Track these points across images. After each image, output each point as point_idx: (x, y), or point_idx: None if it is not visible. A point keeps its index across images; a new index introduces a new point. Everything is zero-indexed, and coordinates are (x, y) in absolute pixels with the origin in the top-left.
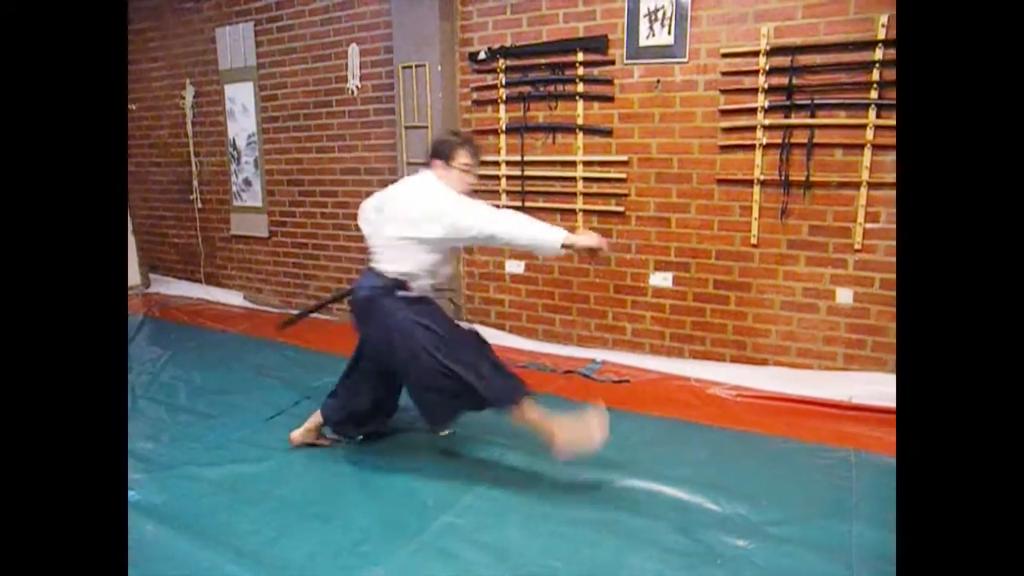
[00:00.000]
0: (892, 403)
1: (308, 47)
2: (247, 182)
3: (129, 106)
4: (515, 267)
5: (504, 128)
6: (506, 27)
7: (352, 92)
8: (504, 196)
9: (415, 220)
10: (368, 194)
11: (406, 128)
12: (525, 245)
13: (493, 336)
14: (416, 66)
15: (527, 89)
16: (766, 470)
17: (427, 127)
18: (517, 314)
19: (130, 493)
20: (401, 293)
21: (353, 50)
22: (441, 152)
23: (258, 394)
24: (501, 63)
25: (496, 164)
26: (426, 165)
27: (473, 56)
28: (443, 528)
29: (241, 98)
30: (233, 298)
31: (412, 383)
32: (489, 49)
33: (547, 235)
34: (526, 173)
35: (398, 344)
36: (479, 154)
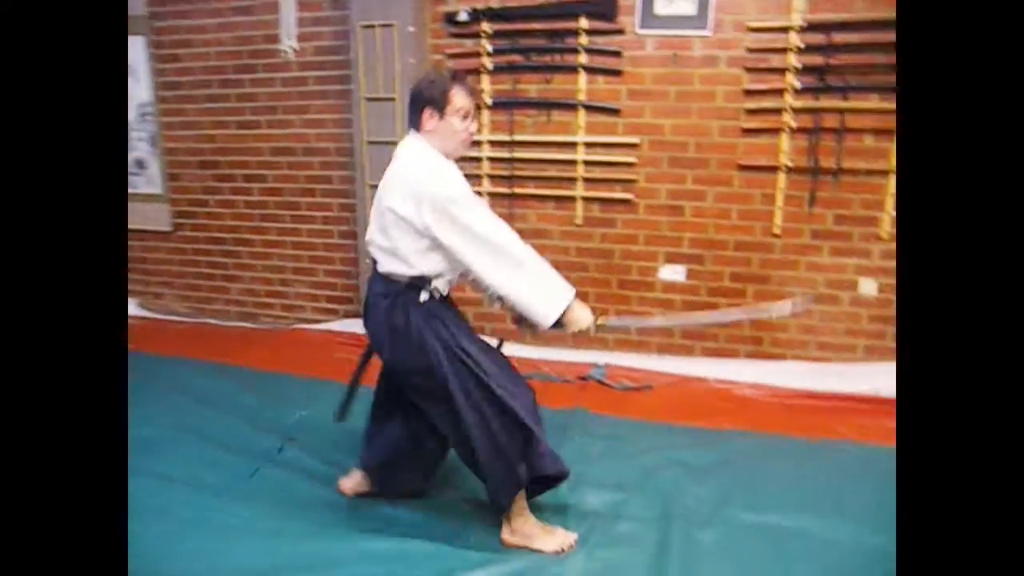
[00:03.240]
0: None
1: None
2: (140, 163)
3: None
4: None
5: (488, 103)
6: None
7: (287, 55)
8: (487, 181)
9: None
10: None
11: (367, 100)
12: (515, 296)
13: None
14: (381, 26)
15: (517, 58)
16: (823, 475)
17: (394, 99)
18: (500, 315)
19: None
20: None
21: (287, 3)
22: (432, 98)
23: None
24: (485, 27)
25: (478, 144)
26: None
27: (451, 17)
28: None
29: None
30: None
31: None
32: (473, 10)
33: (550, 293)
34: (515, 155)
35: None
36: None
